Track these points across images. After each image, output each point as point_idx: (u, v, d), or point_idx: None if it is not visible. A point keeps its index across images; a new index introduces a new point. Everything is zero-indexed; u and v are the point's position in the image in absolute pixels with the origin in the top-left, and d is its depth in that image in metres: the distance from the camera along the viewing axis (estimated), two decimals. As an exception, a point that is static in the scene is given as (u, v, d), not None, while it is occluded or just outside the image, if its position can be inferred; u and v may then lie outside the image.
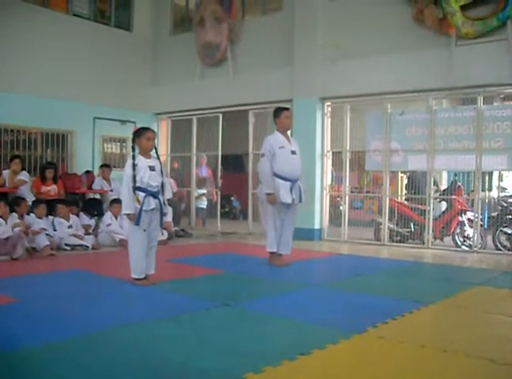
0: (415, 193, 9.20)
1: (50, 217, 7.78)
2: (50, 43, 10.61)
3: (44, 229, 7.22)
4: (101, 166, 10.21)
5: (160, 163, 5.29)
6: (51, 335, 3.39)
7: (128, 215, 5.02)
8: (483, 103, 8.27)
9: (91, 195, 9.83)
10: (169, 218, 8.53)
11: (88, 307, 4.25)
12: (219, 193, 11.80)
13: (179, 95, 11.93)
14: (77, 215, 8.31)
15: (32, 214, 7.40)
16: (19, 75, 10.07)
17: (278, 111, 6.55)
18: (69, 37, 10.90)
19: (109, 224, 8.26)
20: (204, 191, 12.12)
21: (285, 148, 6.36)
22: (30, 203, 7.98)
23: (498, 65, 7.87)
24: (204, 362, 2.94)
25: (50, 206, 8.15)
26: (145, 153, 5.14)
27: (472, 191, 8.65)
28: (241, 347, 3.24)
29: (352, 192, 10.07)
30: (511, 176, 11.74)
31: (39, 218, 7.41)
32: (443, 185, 10.46)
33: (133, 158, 5.06)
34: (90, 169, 10.59)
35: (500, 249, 8.34)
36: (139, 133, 5.14)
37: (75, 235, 7.82)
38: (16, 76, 10.02)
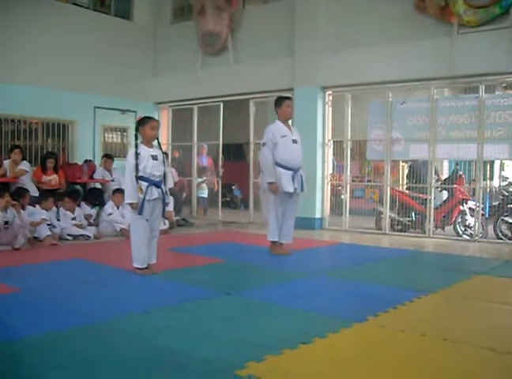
0: (416, 183, 9.19)
1: (54, 208, 7.78)
2: (50, 33, 10.56)
3: (45, 219, 7.22)
4: (103, 156, 10.19)
5: (162, 152, 5.29)
6: (53, 325, 3.41)
7: (131, 204, 5.02)
8: (485, 92, 8.23)
9: (92, 185, 9.82)
10: (170, 207, 8.55)
11: (90, 297, 4.27)
12: (220, 182, 11.80)
13: (180, 85, 11.89)
14: (79, 205, 8.32)
15: (37, 206, 7.41)
16: (19, 65, 10.04)
17: (280, 100, 6.54)
18: (68, 26, 10.84)
19: (110, 213, 8.25)
20: (203, 179, 12.11)
21: (287, 137, 6.35)
22: (32, 193, 8.00)
23: (500, 53, 7.82)
24: (205, 351, 2.95)
25: (52, 196, 8.16)
26: (148, 142, 5.13)
27: (474, 180, 8.64)
28: (242, 336, 3.26)
29: (353, 181, 10.07)
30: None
31: (46, 210, 7.42)
32: (444, 175, 10.43)
33: (136, 147, 5.05)
34: (90, 158, 10.56)
35: (501, 239, 8.33)
36: (143, 121, 5.12)
37: (77, 225, 7.84)
38: (16, 66, 9.99)
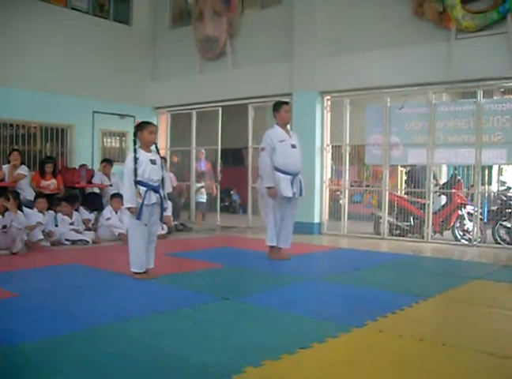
0: (414, 187, 9.20)
1: (51, 212, 7.77)
2: (49, 37, 10.58)
3: (40, 223, 7.19)
4: (102, 161, 10.17)
5: (160, 157, 5.30)
6: (51, 330, 3.40)
7: (130, 208, 5.02)
8: (483, 97, 8.24)
9: (90, 189, 9.81)
10: (169, 212, 8.59)
11: (88, 301, 4.26)
12: (218, 186, 11.80)
13: (179, 89, 11.90)
14: (77, 210, 8.32)
15: (34, 209, 7.40)
16: (17, 69, 10.04)
17: (278, 105, 6.54)
18: (67, 31, 10.86)
19: (108, 218, 8.24)
20: (202, 184, 12.11)
21: (285, 142, 6.35)
22: (30, 198, 7.99)
23: (498, 58, 7.84)
24: (204, 356, 2.94)
25: (50, 200, 8.15)
26: (146, 147, 5.14)
27: (472, 185, 8.65)
28: (241, 341, 3.25)
29: (351, 186, 10.07)
30: (511, 170, 11.73)
31: (41, 212, 7.41)
32: (443, 179, 10.45)
33: (135, 151, 5.05)
34: (85, 163, 10.48)
35: (499, 243, 8.34)
36: (142, 126, 5.13)
37: (75, 230, 7.83)
38: (14, 70, 9.99)
